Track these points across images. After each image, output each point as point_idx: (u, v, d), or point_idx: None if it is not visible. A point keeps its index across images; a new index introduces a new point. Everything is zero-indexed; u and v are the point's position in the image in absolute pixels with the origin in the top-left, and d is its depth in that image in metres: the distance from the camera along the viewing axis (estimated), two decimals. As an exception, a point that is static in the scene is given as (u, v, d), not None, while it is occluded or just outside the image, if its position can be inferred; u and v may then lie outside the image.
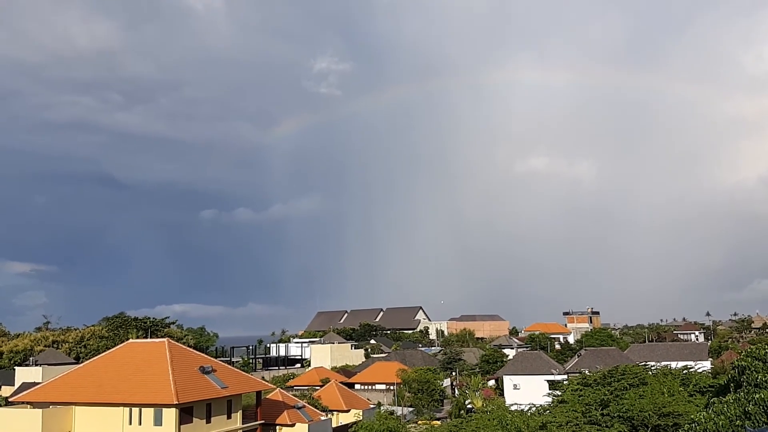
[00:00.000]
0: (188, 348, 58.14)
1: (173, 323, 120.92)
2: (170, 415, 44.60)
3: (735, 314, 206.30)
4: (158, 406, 44.88)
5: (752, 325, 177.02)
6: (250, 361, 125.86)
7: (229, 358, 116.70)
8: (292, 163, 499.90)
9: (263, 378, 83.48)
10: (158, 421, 44.83)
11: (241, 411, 51.54)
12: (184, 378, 47.22)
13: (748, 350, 33.59)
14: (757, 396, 27.04)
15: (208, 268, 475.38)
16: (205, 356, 57.20)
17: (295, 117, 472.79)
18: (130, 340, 59.58)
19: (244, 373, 61.67)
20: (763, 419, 25.09)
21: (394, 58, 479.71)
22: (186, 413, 45.70)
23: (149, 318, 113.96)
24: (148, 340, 63.62)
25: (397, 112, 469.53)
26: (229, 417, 49.99)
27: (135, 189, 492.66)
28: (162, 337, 68.69)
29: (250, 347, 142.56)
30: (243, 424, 51.47)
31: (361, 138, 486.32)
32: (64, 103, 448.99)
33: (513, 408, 46.18)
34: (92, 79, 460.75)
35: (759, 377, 29.07)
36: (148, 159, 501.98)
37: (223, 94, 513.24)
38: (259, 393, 55.61)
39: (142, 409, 45.39)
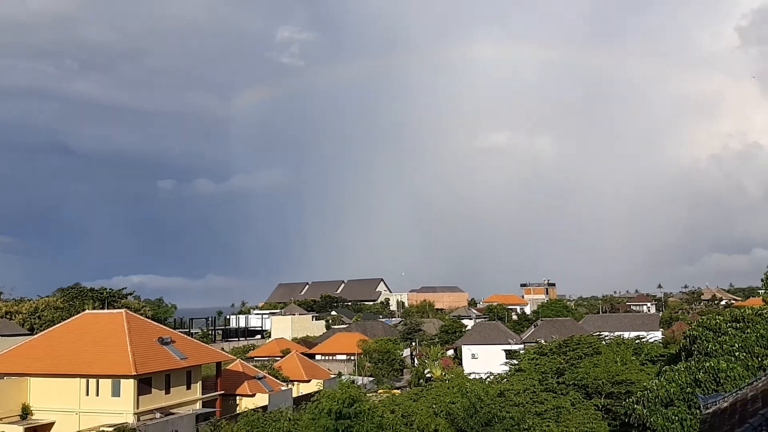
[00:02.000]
0: (146, 319, 57.51)
1: (130, 294, 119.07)
2: (128, 386, 44.21)
3: (686, 287, 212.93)
4: (116, 377, 44.45)
5: (702, 297, 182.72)
6: (210, 332, 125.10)
7: (188, 330, 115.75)
8: (253, 135, 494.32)
9: (223, 349, 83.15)
10: (116, 392, 44.41)
11: (200, 382, 51.37)
12: (142, 349, 46.77)
13: (700, 320, 34.65)
14: (707, 364, 28.01)
15: (166, 239, 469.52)
16: (164, 327, 56.72)
17: (257, 88, 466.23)
18: (87, 311, 58.63)
19: (203, 344, 61.37)
20: (712, 386, 26.00)
21: (357, 30, 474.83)
22: (144, 384, 45.36)
23: (106, 289, 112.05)
24: (105, 311, 62.57)
25: (360, 84, 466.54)
26: (188, 388, 49.78)
27: (92, 158, 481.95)
28: (119, 308, 67.62)
29: (210, 319, 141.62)
30: (203, 394, 51.34)
31: (324, 110, 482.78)
32: (20, 69, 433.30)
33: (471, 377, 46.93)
34: (49, 45, 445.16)
35: (709, 346, 30.07)
36: (106, 128, 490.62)
37: (183, 64, 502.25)
38: (219, 364, 55.45)
39: (100, 380, 44.90)
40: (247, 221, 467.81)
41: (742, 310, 35.65)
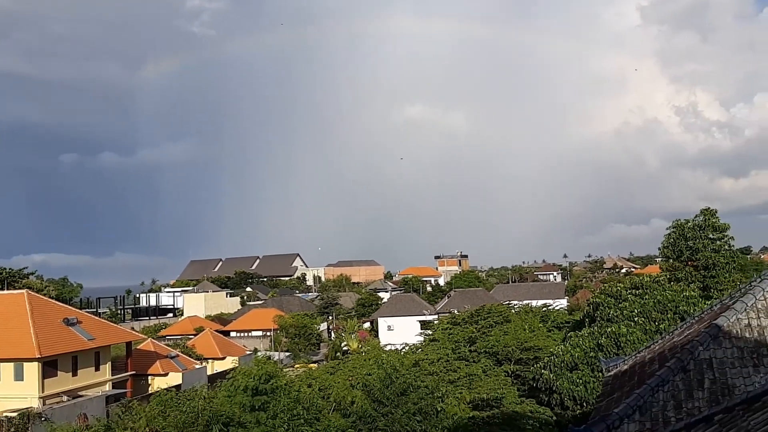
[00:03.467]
0: (50, 299, 55.03)
1: (32, 274, 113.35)
2: (32, 370, 42.40)
3: (589, 256, 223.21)
4: (18, 360, 42.54)
5: (604, 265, 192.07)
6: (119, 312, 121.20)
7: (95, 310, 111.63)
8: (163, 106, 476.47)
9: (133, 329, 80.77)
10: (19, 376, 42.53)
11: (110, 363, 49.93)
12: (46, 330, 44.85)
13: (602, 288, 36.48)
14: (609, 329, 29.62)
15: (70, 216, 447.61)
16: (70, 308, 54.59)
17: (166, 58, 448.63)
18: (-16, 293, 55.55)
19: (112, 324, 59.50)
20: (613, 350, 27.53)
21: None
22: (50, 367, 43.62)
23: (5, 269, 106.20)
24: (5, 292, 59.33)
25: (275, 56, 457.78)
26: (97, 369, 48.27)
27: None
28: (20, 288, 64.32)
29: (118, 298, 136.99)
30: (112, 375, 49.92)
31: (237, 82, 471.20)
32: None
33: (387, 348, 47.68)
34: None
35: (611, 312, 31.78)
36: (3, 98, 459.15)
37: (87, 31, 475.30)
38: (129, 344, 53.95)
39: (1, 363, 42.86)
40: (157, 196, 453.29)
41: (640, 278, 37.84)
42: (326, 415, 27.65)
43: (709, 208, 44.26)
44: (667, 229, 45.75)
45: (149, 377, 56.53)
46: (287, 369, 57.34)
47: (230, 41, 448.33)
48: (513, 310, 54.44)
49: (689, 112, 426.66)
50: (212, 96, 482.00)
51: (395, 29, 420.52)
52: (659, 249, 47.48)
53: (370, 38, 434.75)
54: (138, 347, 57.86)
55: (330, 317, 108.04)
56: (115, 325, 61.23)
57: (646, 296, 32.46)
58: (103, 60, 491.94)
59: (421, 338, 56.14)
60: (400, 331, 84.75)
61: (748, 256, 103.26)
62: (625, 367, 16.94)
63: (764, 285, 14.19)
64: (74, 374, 45.85)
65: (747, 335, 13.34)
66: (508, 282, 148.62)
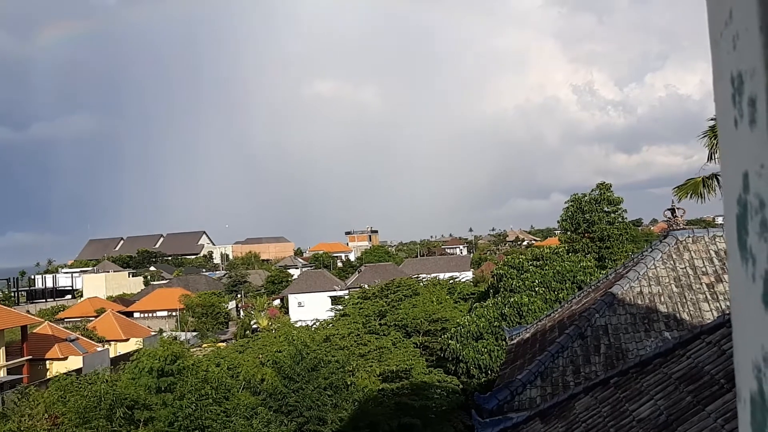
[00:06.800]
0: (-67, 284, 51.56)
1: None
2: None
3: (493, 229, 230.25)
4: None
5: (507, 238, 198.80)
6: (12, 294, 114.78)
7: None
8: (58, 77, 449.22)
9: (28, 312, 76.75)
10: None
11: (3, 348, 47.37)
12: (-71, 317, 41.93)
13: (506, 260, 37.73)
14: (512, 299, 30.71)
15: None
16: (-44, 292, 51.26)
17: (61, 25, 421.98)
18: None
19: (4, 307, 56.43)
20: (516, 320, 28.59)
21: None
22: (-65, 355, 40.87)
23: None
24: None
25: (180, 27, 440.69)
26: (-11, 355, 45.69)
27: None
28: None
29: (11, 279, 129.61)
30: (7, 361, 47.42)
31: (139, 53, 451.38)
32: None
33: (298, 324, 47.63)
34: None
35: (513, 283, 32.93)
36: None
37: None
38: (24, 327, 51.33)
39: None
40: (53, 172, 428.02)
41: (541, 250, 39.41)
42: (236, 394, 27.38)
43: (604, 182, 46.47)
44: (565, 203, 47.72)
45: (47, 362, 54.09)
46: (195, 349, 56.26)
47: (131, 9, 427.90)
48: (421, 284, 55.38)
49: (586, 91, 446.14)
50: (114, 67, 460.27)
51: (304, 2, 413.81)
52: (558, 222, 49.50)
53: (278, 11, 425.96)
54: (34, 331, 55.16)
55: (239, 295, 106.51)
56: (8, 308, 58.01)
57: (546, 267, 33.81)
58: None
59: (332, 314, 56.32)
60: (310, 308, 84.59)
61: (640, 228, 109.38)
62: (527, 335, 17.64)
63: (655, 255, 15.09)
64: (-37, 362, 43.24)
65: (639, 302, 14.17)
66: (416, 256, 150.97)
